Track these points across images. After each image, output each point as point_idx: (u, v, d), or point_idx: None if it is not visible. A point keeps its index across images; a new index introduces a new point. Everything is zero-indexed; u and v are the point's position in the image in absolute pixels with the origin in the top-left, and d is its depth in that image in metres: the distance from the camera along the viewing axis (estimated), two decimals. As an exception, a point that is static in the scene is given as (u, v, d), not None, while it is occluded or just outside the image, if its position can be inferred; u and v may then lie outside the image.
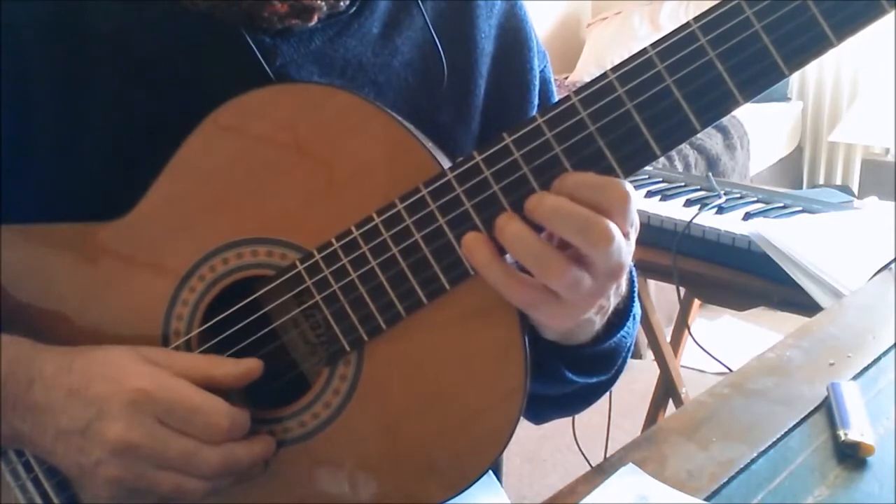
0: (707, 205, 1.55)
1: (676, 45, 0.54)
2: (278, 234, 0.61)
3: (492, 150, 0.56)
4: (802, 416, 0.77)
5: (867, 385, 0.82)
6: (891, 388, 0.82)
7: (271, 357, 0.64)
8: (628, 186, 0.55)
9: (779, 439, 0.74)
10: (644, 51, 0.55)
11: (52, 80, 0.66)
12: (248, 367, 0.61)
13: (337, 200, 0.60)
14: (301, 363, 0.66)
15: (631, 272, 0.70)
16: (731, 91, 0.54)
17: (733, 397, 0.81)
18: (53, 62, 0.66)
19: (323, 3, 0.66)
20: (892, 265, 1.20)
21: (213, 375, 0.60)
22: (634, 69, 0.54)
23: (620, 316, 0.68)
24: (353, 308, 0.59)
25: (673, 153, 2.75)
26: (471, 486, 0.61)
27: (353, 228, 0.59)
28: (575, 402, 0.78)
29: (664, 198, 1.64)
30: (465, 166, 0.57)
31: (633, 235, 0.57)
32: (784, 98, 3.62)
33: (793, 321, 1.28)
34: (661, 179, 1.78)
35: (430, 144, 0.60)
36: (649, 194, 1.67)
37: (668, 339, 1.98)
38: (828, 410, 0.78)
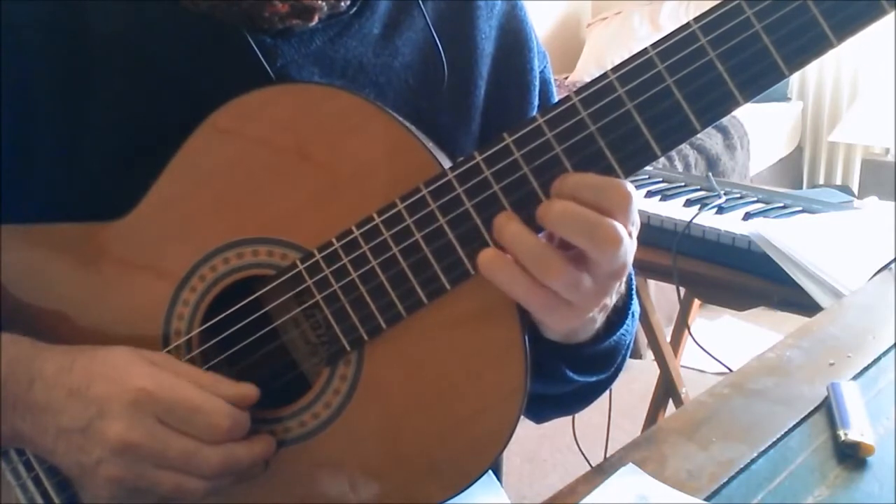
0: (707, 205, 1.55)
1: (677, 45, 0.54)
2: (279, 233, 0.61)
3: (492, 150, 0.56)
4: (802, 416, 0.77)
5: (867, 385, 0.82)
6: (891, 388, 0.82)
7: (271, 357, 0.64)
8: (630, 186, 0.55)
9: (779, 439, 0.74)
10: (644, 51, 0.55)
11: (53, 80, 0.66)
12: (244, 392, 0.60)
13: (337, 200, 0.60)
14: (301, 363, 0.66)
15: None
16: (732, 91, 0.54)
17: (733, 397, 0.81)
18: (53, 62, 0.66)
19: (324, 4, 0.66)
20: (892, 265, 1.20)
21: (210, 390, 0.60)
22: (635, 69, 0.54)
23: (620, 313, 0.68)
24: (354, 308, 0.59)
25: (673, 153, 2.75)
26: (471, 485, 0.61)
27: (354, 228, 0.59)
28: (575, 400, 0.78)
29: (664, 198, 1.64)
30: (466, 166, 0.57)
31: (635, 234, 0.57)
32: (784, 98, 3.62)
33: (793, 321, 1.28)
34: (661, 179, 1.78)
35: (430, 145, 0.60)
36: (649, 194, 1.67)
37: (668, 339, 1.98)
38: (828, 410, 0.78)
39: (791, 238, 1.37)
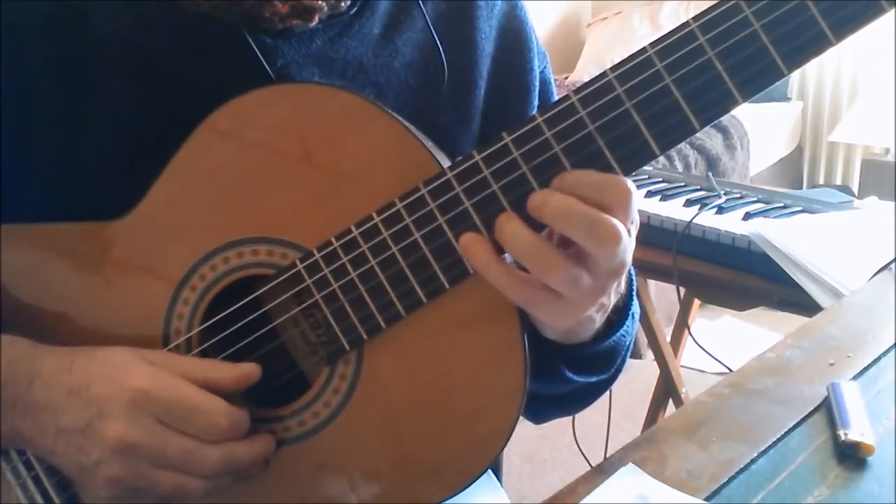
0: (707, 205, 1.55)
1: (675, 44, 0.54)
2: (278, 233, 0.61)
3: (491, 150, 0.56)
4: (802, 416, 0.77)
5: (867, 385, 0.82)
6: (891, 388, 0.82)
7: (271, 356, 0.64)
8: (630, 184, 0.55)
9: (779, 439, 0.74)
10: (643, 50, 0.55)
11: (53, 80, 0.66)
12: (245, 371, 0.61)
13: (337, 200, 0.60)
14: (301, 362, 0.66)
15: (629, 270, 0.70)
16: (731, 90, 0.54)
17: (733, 397, 0.81)
18: (54, 62, 0.66)
19: (324, 4, 0.66)
20: (892, 265, 1.20)
21: (211, 378, 0.60)
22: (633, 68, 0.54)
23: (620, 314, 0.68)
24: (353, 307, 0.59)
25: (673, 153, 2.75)
26: (470, 485, 0.61)
27: (353, 227, 0.59)
28: (574, 401, 0.78)
29: (664, 198, 1.64)
30: (465, 165, 0.57)
31: (634, 232, 0.57)
32: (784, 98, 3.62)
33: (793, 321, 1.28)
34: (661, 179, 1.78)
35: (430, 144, 0.60)
36: (649, 194, 1.67)
37: (668, 339, 1.98)
38: (828, 410, 0.78)
39: (791, 238, 1.36)
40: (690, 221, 1.49)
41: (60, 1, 0.66)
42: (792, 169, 3.73)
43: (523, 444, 2.30)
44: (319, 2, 0.65)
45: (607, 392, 0.79)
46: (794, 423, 0.76)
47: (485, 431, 0.60)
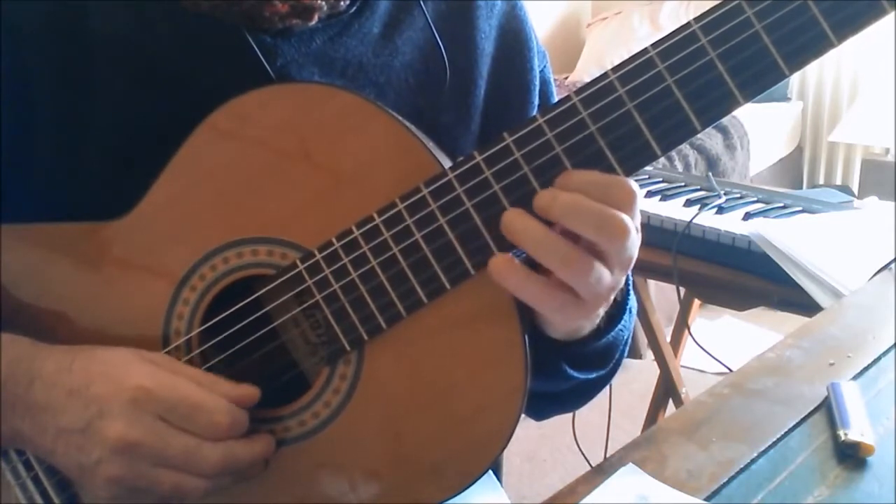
0: (707, 205, 1.55)
1: (677, 45, 0.54)
2: (279, 233, 0.61)
3: (492, 150, 0.56)
4: (802, 416, 0.77)
5: (867, 385, 0.82)
6: (891, 388, 0.82)
7: (271, 356, 0.64)
8: (634, 184, 0.55)
9: (779, 439, 0.74)
10: (645, 51, 0.55)
11: (53, 80, 0.66)
12: (245, 393, 0.60)
13: (337, 200, 0.60)
14: (301, 362, 0.66)
15: None
16: (732, 91, 0.54)
17: (733, 397, 0.81)
18: (54, 62, 0.66)
19: (323, 3, 0.66)
20: (892, 265, 1.20)
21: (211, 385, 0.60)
22: (635, 69, 0.54)
23: (618, 307, 0.68)
24: (354, 307, 0.59)
25: (673, 153, 2.75)
26: (471, 485, 0.61)
27: (354, 228, 0.59)
28: (574, 397, 0.78)
29: (664, 198, 1.64)
30: (466, 166, 0.57)
31: (639, 225, 0.57)
32: (784, 98, 3.62)
33: (793, 321, 1.28)
34: (661, 179, 1.78)
35: (430, 144, 0.60)
36: (649, 194, 1.67)
37: (668, 339, 1.98)
38: (828, 410, 0.78)
39: (791, 238, 1.37)
40: (690, 221, 1.49)
41: (60, 1, 0.66)
42: (792, 169, 3.73)
43: (523, 444, 2.30)
44: (319, 1, 0.65)
45: (607, 392, 0.79)
46: (794, 423, 0.76)
47: (485, 432, 0.60)
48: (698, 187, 1.70)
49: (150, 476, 0.58)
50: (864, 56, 3.48)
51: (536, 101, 0.77)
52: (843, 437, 0.72)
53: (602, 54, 3.61)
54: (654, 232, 1.53)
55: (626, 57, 0.55)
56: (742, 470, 0.70)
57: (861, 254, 1.31)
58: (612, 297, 0.61)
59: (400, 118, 0.60)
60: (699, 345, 1.57)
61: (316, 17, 0.66)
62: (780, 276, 1.35)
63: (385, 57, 0.70)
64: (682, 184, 1.74)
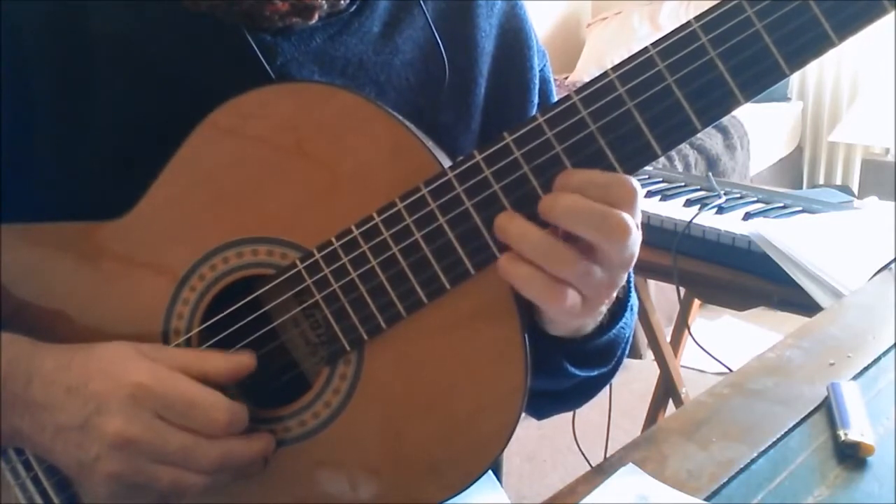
0: (707, 205, 1.55)
1: (677, 44, 0.54)
2: (278, 233, 0.61)
3: (492, 150, 0.56)
4: (802, 416, 0.77)
5: (867, 385, 0.82)
6: (891, 388, 0.82)
7: (271, 356, 0.64)
8: (635, 183, 0.55)
9: (779, 439, 0.74)
10: (645, 50, 0.54)
11: (53, 80, 0.66)
12: (239, 361, 0.61)
13: (337, 200, 0.60)
14: (301, 362, 0.66)
15: None
16: (732, 91, 0.54)
17: (733, 397, 0.81)
18: (54, 62, 0.66)
19: (324, 2, 0.66)
20: (892, 265, 1.20)
21: (207, 370, 0.60)
22: (635, 68, 0.54)
23: (620, 304, 0.68)
24: (353, 307, 0.59)
25: (673, 153, 2.75)
26: (471, 485, 0.61)
27: (354, 227, 0.59)
28: (575, 396, 0.78)
29: (664, 198, 1.64)
30: (466, 165, 0.57)
31: (639, 223, 0.57)
32: (784, 98, 3.62)
33: (793, 321, 1.28)
34: (661, 179, 1.78)
35: (430, 143, 0.60)
36: (649, 194, 1.67)
37: (668, 339, 1.98)
38: (828, 410, 0.78)
39: (791, 238, 1.36)
40: (690, 221, 1.49)
41: (60, 1, 0.66)
42: (792, 169, 3.73)
43: (523, 444, 2.30)
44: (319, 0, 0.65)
45: (607, 392, 0.79)
46: (794, 423, 0.76)
47: (485, 432, 0.60)
48: (698, 187, 1.70)
49: (149, 472, 0.58)
50: (864, 56, 3.48)
51: (536, 101, 0.77)
52: (843, 437, 0.72)
53: (602, 54, 3.61)
54: (654, 232, 1.53)
55: (626, 57, 0.55)
56: (742, 470, 0.70)
57: (861, 254, 1.31)
58: (615, 295, 0.61)
59: (400, 117, 0.60)
60: (699, 345, 1.57)
61: (316, 16, 0.66)
62: (780, 276, 1.35)
63: (385, 56, 0.70)
64: (682, 184, 1.74)
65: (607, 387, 0.79)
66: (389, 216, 0.58)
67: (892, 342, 0.90)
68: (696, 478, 0.69)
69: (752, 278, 1.41)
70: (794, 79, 3.67)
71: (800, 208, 1.56)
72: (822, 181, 3.74)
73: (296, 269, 0.60)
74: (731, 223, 1.48)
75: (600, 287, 0.57)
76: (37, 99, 0.66)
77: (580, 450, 1.78)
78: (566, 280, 0.55)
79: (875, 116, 3.13)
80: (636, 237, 0.55)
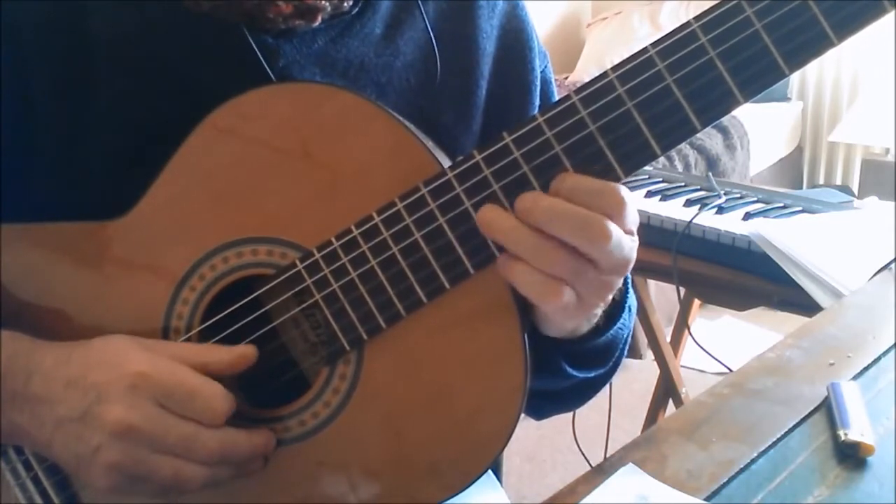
0: (707, 205, 1.55)
1: (677, 44, 0.54)
2: (278, 233, 0.61)
3: (492, 150, 0.56)
4: (802, 416, 0.77)
5: (867, 385, 0.82)
6: (891, 388, 0.82)
7: (271, 356, 0.64)
8: (625, 192, 0.55)
9: (779, 439, 0.74)
10: (644, 50, 0.54)
11: (53, 80, 0.66)
12: (241, 352, 0.61)
13: (337, 200, 0.60)
14: (301, 362, 0.66)
15: None
16: (732, 90, 0.54)
17: (733, 397, 0.81)
18: (54, 62, 0.66)
19: (327, 4, 0.66)
20: (892, 265, 1.20)
21: (207, 361, 0.60)
22: (635, 68, 0.54)
23: (617, 306, 0.68)
24: (353, 307, 0.59)
25: (673, 153, 2.75)
26: (471, 485, 0.61)
27: (353, 227, 0.59)
28: (574, 396, 0.78)
29: (664, 198, 1.64)
30: (465, 165, 0.57)
31: (635, 230, 0.57)
32: (784, 98, 3.62)
33: (793, 321, 1.28)
34: (661, 179, 1.78)
35: (430, 144, 0.60)
36: (649, 194, 1.67)
37: (668, 339, 1.98)
38: (828, 410, 0.78)
39: (791, 238, 1.36)
40: (690, 221, 1.49)
41: (60, 1, 0.66)
42: (792, 169, 3.73)
43: (523, 444, 2.30)
44: (323, 2, 0.65)
45: (607, 392, 0.79)
46: (794, 423, 0.76)
47: (485, 431, 0.60)
48: (698, 187, 1.70)
49: (150, 462, 0.58)
50: (864, 56, 3.48)
51: (537, 101, 0.77)
52: (843, 437, 0.72)
53: (602, 54, 3.60)
54: (654, 232, 1.53)
55: (625, 57, 0.55)
56: (742, 470, 0.70)
57: (861, 254, 1.31)
58: (610, 297, 0.61)
59: (400, 118, 0.60)
60: (699, 345, 1.57)
61: (319, 18, 0.66)
62: (780, 276, 1.35)
63: (386, 57, 0.70)
64: (682, 184, 1.74)
65: (607, 387, 0.80)
66: (389, 216, 0.58)
67: (892, 342, 0.90)
68: (696, 478, 0.69)
69: (752, 278, 1.41)
70: (794, 79, 3.67)
71: (800, 208, 1.56)
72: (822, 181, 3.74)
73: (295, 269, 0.60)
74: (731, 223, 1.48)
75: (595, 286, 0.57)
76: (37, 99, 0.66)
77: (580, 450, 1.78)
78: (560, 277, 0.55)
79: (875, 116, 3.13)
80: (621, 240, 0.55)
